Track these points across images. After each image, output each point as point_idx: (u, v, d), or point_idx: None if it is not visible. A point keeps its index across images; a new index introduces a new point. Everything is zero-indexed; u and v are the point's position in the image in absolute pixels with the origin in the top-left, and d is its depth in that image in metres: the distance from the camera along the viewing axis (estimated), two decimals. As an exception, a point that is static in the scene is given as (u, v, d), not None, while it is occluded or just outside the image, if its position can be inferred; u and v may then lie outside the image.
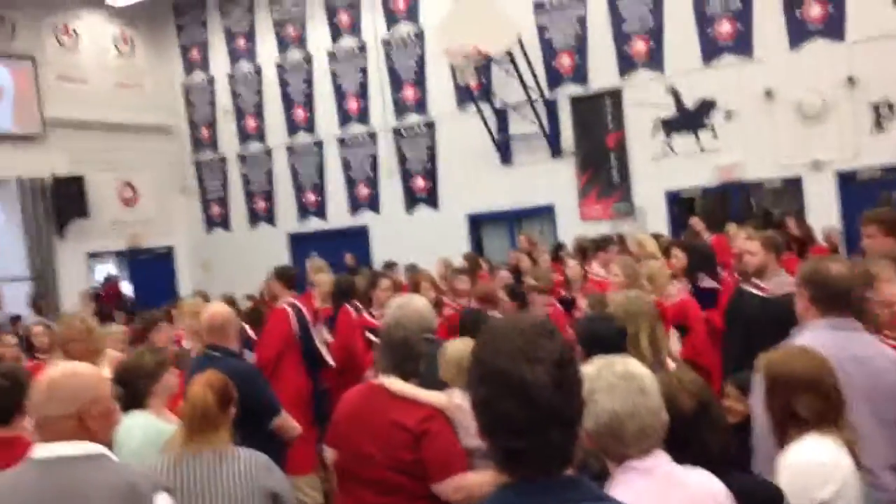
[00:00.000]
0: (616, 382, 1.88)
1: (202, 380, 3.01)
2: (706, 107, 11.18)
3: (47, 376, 2.31)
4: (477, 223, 13.10)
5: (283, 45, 14.45)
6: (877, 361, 2.74)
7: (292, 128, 14.46)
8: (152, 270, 14.81)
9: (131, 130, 14.45)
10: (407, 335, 3.20)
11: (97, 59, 14.42)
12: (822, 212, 10.18)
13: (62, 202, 13.12)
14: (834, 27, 10.35)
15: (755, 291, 4.63)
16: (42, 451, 2.23)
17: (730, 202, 11.77)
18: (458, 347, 3.30)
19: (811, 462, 2.33)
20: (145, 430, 3.33)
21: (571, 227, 11.35)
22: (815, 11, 10.46)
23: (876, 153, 10.13)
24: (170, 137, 15.40)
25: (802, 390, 2.37)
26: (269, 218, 14.87)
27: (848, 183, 10.43)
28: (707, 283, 5.98)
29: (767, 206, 11.85)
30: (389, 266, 10.21)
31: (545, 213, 12.43)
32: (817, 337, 2.75)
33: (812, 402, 2.36)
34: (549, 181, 12.14)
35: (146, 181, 14.83)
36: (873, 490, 2.61)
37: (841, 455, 2.35)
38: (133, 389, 3.42)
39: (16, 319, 11.72)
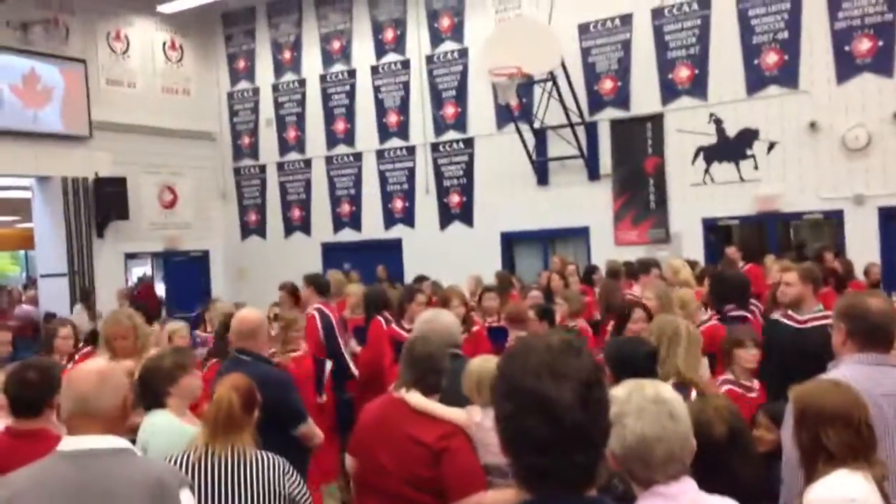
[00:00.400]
0: (646, 406, 1.85)
1: (228, 382, 3.03)
2: (748, 136, 11.08)
3: (94, 369, 2.33)
4: (510, 242, 13.08)
5: (327, 58, 14.63)
6: (913, 399, 2.67)
7: (332, 140, 14.61)
8: (187, 273, 15.01)
9: (175, 135, 14.72)
10: (430, 350, 3.20)
11: (146, 65, 14.73)
12: (863, 247, 9.99)
13: (103, 202, 13.38)
14: (882, 62, 10.21)
15: (789, 323, 4.55)
16: (70, 444, 2.25)
17: (767, 233, 11.62)
18: (481, 364, 3.28)
19: (839, 498, 2.27)
20: (168, 428, 3.36)
21: (605, 251, 11.27)
22: (863, 46, 10.33)
23: (921, 190, 9.95)
24: (211, 144, 15.65)
25: (831, 423, 2.33)
26: (304, 227, 15.01)
27: (890, 219, 10.23)
28: (735, 312, 5.88)
29: (806, 238, 11.68)
30: (420, 280, 10.22)
31: (579, 236, 12.37)
32: (852, 371, 2.70)
33: (841, 436, 2.31)
34: (585, 204, 12.10)
35: (186, 186, 15.08)
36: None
37: (870, 492, 2.29)
38: (152, 389, 3.46)
39: (50, 317, 11.95)
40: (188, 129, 15.02)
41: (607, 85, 12.06)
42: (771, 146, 10.90)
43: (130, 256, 14.37)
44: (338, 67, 14.53)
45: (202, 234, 15.35)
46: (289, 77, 15.07)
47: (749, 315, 5.94)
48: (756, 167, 11.01)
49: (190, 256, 15.25)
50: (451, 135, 13.43)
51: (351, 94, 14.40)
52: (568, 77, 11.62)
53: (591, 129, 12.05)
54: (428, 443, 2.99)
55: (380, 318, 6.55)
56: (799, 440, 2.40)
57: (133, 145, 13.85)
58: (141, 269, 15.35)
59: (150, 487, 2.20)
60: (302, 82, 14.92)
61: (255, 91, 15.46)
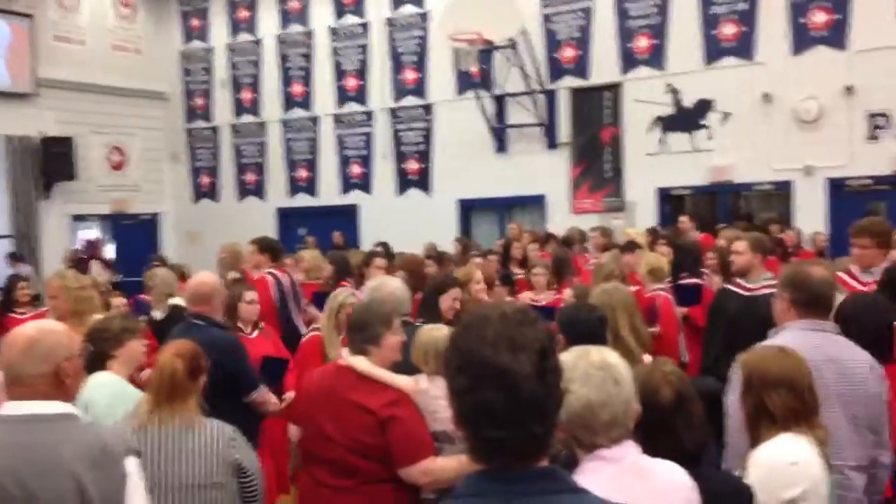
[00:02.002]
0: (592, 372, 1.87)
1: (172, 348, 2.97)
2: (704, 107, 11.17)
3: (23, 334, 2.26)
4: (467, 209, 13.08)
5: (285, 18, 14.31)
6: (851, 364, 2.76)
7: (288, 102, 14.36)
8: (137, 237, 14.71)
9: (124, 95, 14.32)
10: (379, 317, 3.18)
11: (95, 22, 14.24)
12: (811, 218, 10.21)
13: (50, 162, 12.98)
14: (836, 36, 10.34)
15: (738, 290, 4.64)
16: (10, 408, 2.19)
17: (719, 203, 11.81)
18: (428, 333, 3.28)
19: (782, 461, 2.34)
20: (113, 388, 3.31)
21: (562, 219, 11.34)
22: (819, 18, 10.44)
23: (868, 163, 10.17)
24: (163, 104, 15.28)
25: (775, 388, 2.38)
26: (259, 191, 14.79)
27: (838, 190, 10.46)
28: (688, 280, 6.00)
29: (756, 209, 11.90)
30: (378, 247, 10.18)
31: (536, 204, 12.42)
32: (795, 338, 2.76)
33: (784, 401, 2.37)
34: (543, 172, 12.12)
35: (136, 147, 14.73)
36: (842, 490, 2.62)
37: (812, 455, 2.35)
38: (97, 350, 3.39)
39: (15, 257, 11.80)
40: (139, 88, 14.62)
41: (567, 53, 12.03)
42: (725, 117, 11.02)
43: (78, 218, 14.03)
44: (295, 28, 14.24)
45: (152, 196, 15.05)
46: (244, 37, 14.72)
47: (701, 281, 6.07)
48: (710, 138, 11.13)
49: (140, 219, 14.96)
50: (410, 100, 13.30)
51: (308, 57, 14.13)
52: (528, 44, 11.55)
53: (551, 98, 12.04)
54: (373, 409, 2.98)
55: (347, 283, 6.56)
56: (745, 404, 2.46)
57: (81, 104, 13.43)
58: (89, 232, 15.02)
59: (93, 454, 2.16)
60: (258, 42, 14.59)
61: (209, 51, 15.08)
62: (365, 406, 2.99)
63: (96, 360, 3.35)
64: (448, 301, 4.38)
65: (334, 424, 3.01)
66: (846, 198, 10.34)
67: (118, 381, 3.36)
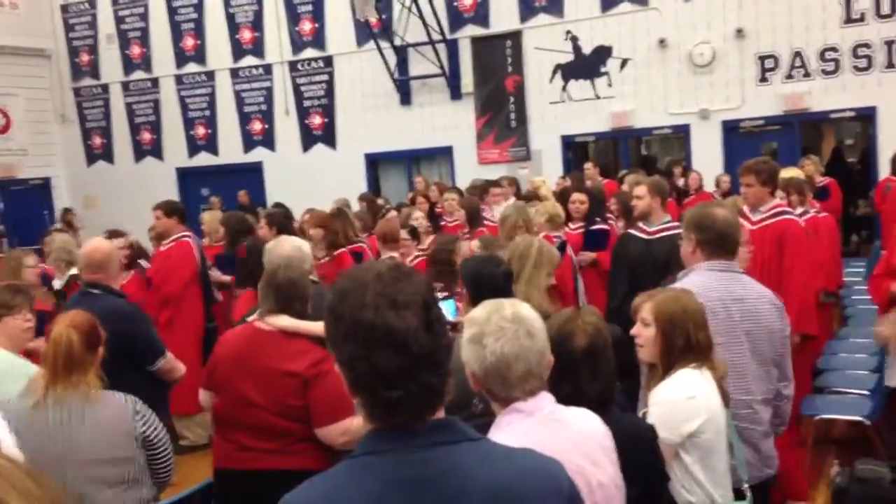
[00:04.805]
0: (505, 326, 1.86)
1: (66, 320, 2.82)
2: (603, 54, 11.30)
3: None
4: (374, 163, 12.93)
5: (170, -33, 13.61)
6: (756, 302, 2.86)
7: (181, 57, 13.74)
8: (28, 203, 13.94)
9: (3, 53, 13.41)
10: (293, 276, 3.13)
11: (-38, -27, 13.21)
12: (708, 160, 10.54)
13: (-77, 128, 12.10)
14: (728, -21, 10.59)
15: (639, 234, 4.77)
16: None
17: (621, 149, 12.06)
18: None
19: (680, 397, 2.43)
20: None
21: (469, 170, 11.36)
22: (710, -38, 10.65)
23: (759, 104, 10.55)
24: (46, 62, 14.40)
25: (702, 326, 2.50)
26: (156, 151, 14.19)
27: (731, 132, 10.83)
28: (599, 225, 6.19)
29: (656, 153, 12.22)
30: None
31: (443, 155, 12.37)
32: (703, 279, 2.84)
33: (705, 335, 2.49)
34: (448, 123, 12.07)
35: (19, 108, 13.86)
36: (751, 424, 2.74)
37: (709, 388, 2.46)
38: None
39: None
40: (18, 45, 13.70)
41: (467, 1, 11.90)
42: (624, 63, 11.18)
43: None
44: (183, -22, 13.56)
45: (42, 160, 14.24)
46: (129, -13, 13.94)
47: (607, 227, 6.26)
48: (610, 84, 11.29)
49: (30, 185, 14.15)
50: (310, 52, 12.94)
51: (199, 7, 13.51)
52: (428, -8, 11.38)
53: (452, 47, 11.93)
54: (299, 371, 2.96)
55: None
56: (671, 343, 2.50)
57: (-47, 64, 12.52)
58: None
59: None
60: (144, -7, 13.85)
61: (92, 3, 14.22)
62: (291, 370, 2.97)
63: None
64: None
65: (259, 390, 2.97)
66: (740, 139, 10.73)
67: (4, 355, 3.18)
